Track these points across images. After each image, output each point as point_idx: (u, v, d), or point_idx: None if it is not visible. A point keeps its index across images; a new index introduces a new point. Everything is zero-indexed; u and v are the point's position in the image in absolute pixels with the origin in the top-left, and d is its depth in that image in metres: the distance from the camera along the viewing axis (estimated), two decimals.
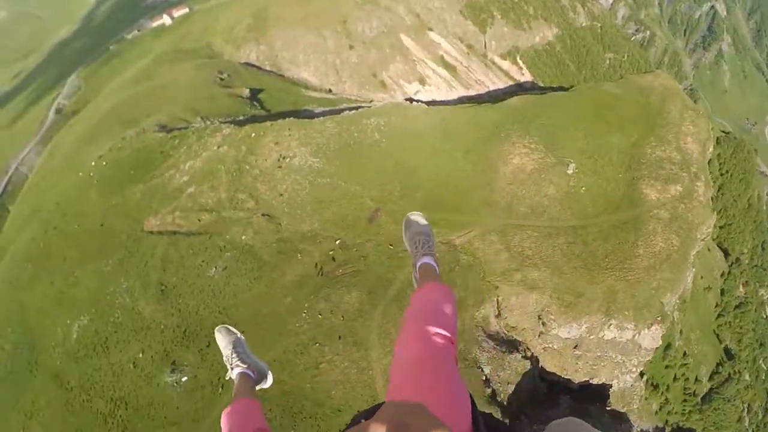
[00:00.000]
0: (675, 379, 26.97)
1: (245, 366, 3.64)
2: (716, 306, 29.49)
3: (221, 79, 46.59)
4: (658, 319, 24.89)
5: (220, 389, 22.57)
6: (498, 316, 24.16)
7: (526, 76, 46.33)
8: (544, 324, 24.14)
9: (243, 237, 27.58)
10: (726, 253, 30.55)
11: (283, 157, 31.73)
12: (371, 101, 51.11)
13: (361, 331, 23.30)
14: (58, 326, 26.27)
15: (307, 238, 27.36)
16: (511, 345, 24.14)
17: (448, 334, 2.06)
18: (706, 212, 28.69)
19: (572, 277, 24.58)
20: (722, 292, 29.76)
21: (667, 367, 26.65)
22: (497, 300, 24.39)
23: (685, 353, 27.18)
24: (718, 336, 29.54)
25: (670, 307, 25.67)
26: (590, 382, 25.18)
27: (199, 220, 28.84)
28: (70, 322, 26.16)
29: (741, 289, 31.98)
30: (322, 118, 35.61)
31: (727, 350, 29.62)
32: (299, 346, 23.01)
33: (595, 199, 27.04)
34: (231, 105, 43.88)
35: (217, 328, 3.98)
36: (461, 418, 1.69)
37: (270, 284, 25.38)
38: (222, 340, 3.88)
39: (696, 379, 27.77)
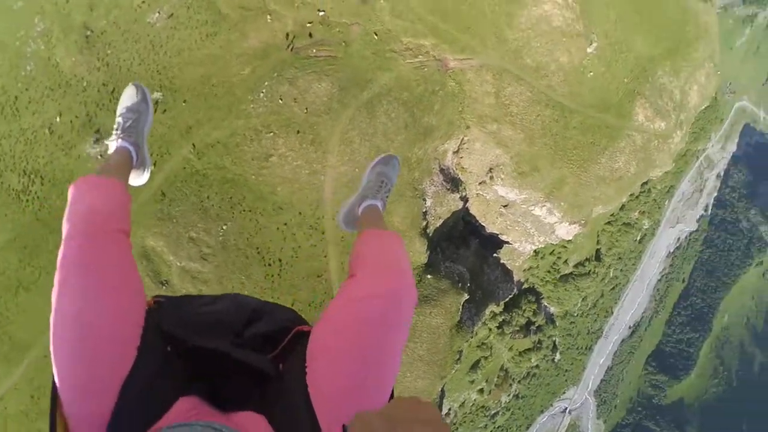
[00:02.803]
0: (551, 253, 30.88)
1: (134, 144, 2.75)
2: (611, 215, 32.74)
3: None
4: (582, 222, 26.34)
5: (152, 167, 19.05)
6: (456, 152, 23.15)
7: None
8: (491, 178, 24.15)
9: None
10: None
11: None
12: None
13: (322, 130, 20.40)
14: None
15: None
16: (454, 184, 23.97)
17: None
18: (668, 161, 29.30)
19: (539, 151, 23.95)
20: (622, 207, 32.56)
21: (550, 243, 29.76)
22: (463, 139, 23.02)
23: (570, 240, 30.04)
24: (598, 238, 33.76)
25: (595, 216, 27.16)
26: (498, 236, 27.16)
27: None
28: None
29: (636, 214, 35.89)
30: None
31: (597, 252, 34.43)
32: (251, 131, 19.66)
33: (594, 90, 25.48)
34: None
35: (133, 83, 2.99)
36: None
37: (226, 46, 20.03)
38: (129, 101, 2.85)
39: (564, 262, 32.31)
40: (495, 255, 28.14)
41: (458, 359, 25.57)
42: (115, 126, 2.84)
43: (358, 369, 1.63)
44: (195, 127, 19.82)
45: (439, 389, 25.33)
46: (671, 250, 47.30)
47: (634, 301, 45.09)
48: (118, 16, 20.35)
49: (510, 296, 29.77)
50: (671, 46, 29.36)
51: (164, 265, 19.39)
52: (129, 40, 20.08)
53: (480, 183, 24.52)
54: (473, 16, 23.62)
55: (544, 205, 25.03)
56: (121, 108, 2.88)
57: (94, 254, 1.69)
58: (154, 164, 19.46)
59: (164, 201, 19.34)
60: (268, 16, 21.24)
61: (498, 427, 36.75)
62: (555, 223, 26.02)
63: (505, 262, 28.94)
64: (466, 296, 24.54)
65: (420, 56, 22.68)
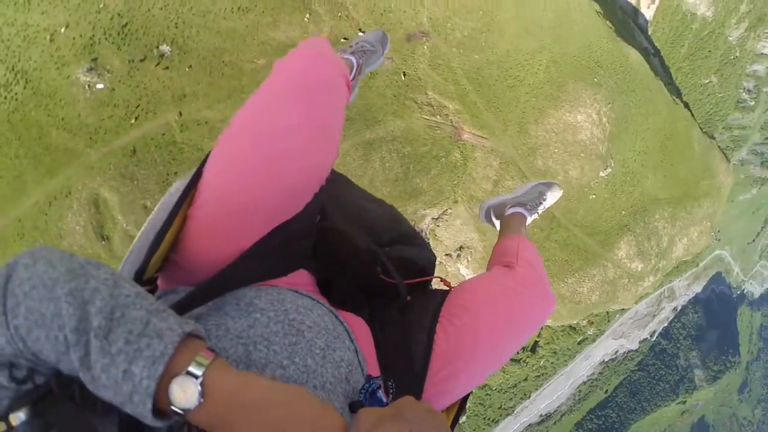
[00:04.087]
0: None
1: (358, 63, 2.42)
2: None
3: None
4: None
5: (133, 120, 17.93)
6: (435, 219, 22.76)
7: (649, 13, 33.85)
8: (459, 256, 23.80)
9: None
10: None
11: None
12: None
13: None
14: None
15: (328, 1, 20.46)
16: None
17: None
18: (630, 301, 29.47)
19: None
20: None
21: None
22: (446, 210, 22.60)
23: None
24: (540, 331, 33.27)
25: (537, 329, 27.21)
26: None
27: None
28: None
29: (585, 322, 35.88)
30: None
31: (535, 344, 34.97)
32: None
33: (589, 213, 25.22)
34: None
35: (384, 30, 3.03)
36: None
37: (252, 26, 18.55)
38: (372, 35, 2.89)
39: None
40: None
41: None
42: (349, 44, 2.77)
43: (490, 350, 1.57)
44: (189, 97, 18.69)
45: None
46: (605, 360, 48.08)
47: (554, 393, 45.71)
48: None
49: None
50: (679, 194, 29.25)
51: (111, 221, 18.34)
52: None
53: (446, 254, 24.19)
54: (507, 99, 22.97)
55: None
56: (363, 36, 2.89)
57: (327, 81, 1.49)
58: (136, 118, 18.43)
59: (133, 158, 18.19)
60: (308, 15, 19.99)
61: None
62: None
63: None
64: None
65: (438, 116, 21.98)
